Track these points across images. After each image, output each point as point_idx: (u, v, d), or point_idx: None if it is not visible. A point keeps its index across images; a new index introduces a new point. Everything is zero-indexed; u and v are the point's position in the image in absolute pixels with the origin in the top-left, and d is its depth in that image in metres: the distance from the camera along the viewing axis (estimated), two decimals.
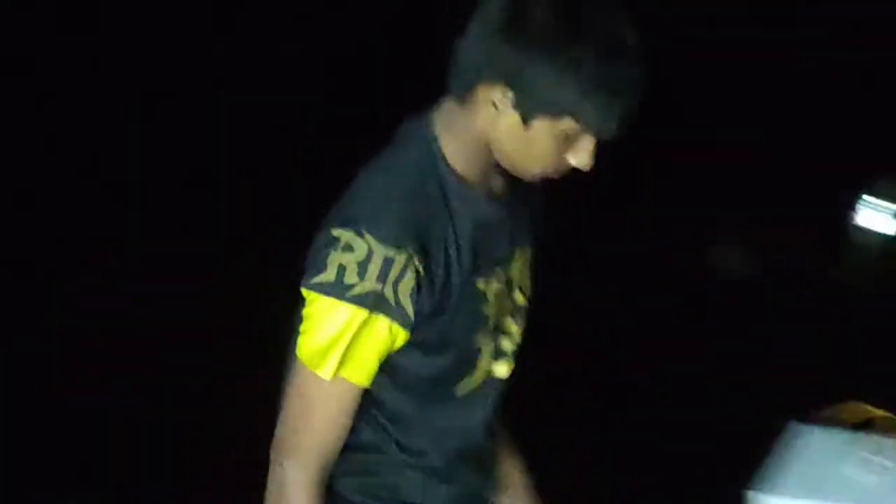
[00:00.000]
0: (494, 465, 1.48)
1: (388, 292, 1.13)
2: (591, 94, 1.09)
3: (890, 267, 4.58)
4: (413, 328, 1.18)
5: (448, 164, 1.19)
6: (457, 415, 1.29)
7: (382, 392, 1.26)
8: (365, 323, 1.14)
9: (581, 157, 1.17)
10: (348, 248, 1.13)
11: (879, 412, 1.62)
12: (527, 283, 1.37)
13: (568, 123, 1.12)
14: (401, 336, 1.17)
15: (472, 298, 1.22)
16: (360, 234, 1.12)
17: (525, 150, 1.15)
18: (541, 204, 1.41)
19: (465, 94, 1.16)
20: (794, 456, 1.60)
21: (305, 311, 1.19)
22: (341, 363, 1.17)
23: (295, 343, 1.22)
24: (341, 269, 1.12)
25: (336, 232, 1.15)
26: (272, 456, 1.24)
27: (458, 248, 1.19)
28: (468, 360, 1.26)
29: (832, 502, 1.50)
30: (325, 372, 1.17)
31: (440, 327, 1.20)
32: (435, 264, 1.17)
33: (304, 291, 1.19)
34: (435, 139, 1.19)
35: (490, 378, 1.31)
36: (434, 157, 1.19)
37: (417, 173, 1.18)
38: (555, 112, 1.11)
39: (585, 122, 1.12)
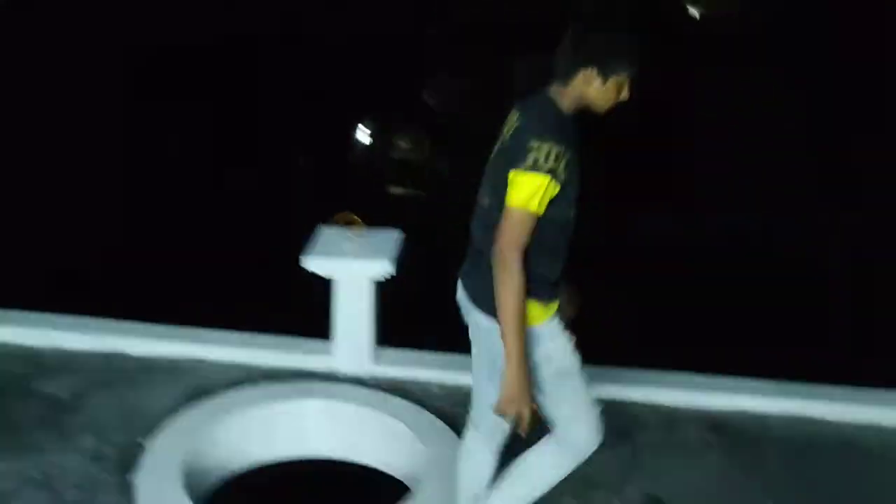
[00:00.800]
0: None
1: (558, 168, 2.10)
2: (636, 61, 2.16)
3: None
4: (561, 187, 2.13)
5: (563, 112, 2.19)
6: (563, 238, 2.25)
7: (546, 232, 2.17)
8: (549, 182, 2.10)
9: (626, 93, 2.20)
10: (540, 147, 2.08)
11: (354, 218, 3.51)
12: None
13: (623, 76, 2.17)
14: (555, 192, 2.12)
15: (578, 173, 2.18)
16: (545, 140, 2.08)
17: (604, 97, 2.19)
18: None
19: (567, 77, 2.18)
20: (319, 238, 3.49)
21: (518, 182, 2.10)
22: (538, 203, 2.10)
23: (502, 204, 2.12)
24: (538, 157, 2.08)
25: (533, 140, 2.09)
26: (499, 257, 2.11)
27: (575, 149, 2.15)
28: (573, 204, 2.22)
29: (333, 255, 3.38)
30: (533, 206, 2.10)
31: (568, 188, 2.16)
32: (571, 155, 2.13)
33: (515, 173, 2.10)
34: (554, 101, 2.20)
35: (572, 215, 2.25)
36: (556, 108, 2.18)
37: (552, 114, 2.18)
38: (619, 72, 2.16)
39: (632, 75, 2.18)
